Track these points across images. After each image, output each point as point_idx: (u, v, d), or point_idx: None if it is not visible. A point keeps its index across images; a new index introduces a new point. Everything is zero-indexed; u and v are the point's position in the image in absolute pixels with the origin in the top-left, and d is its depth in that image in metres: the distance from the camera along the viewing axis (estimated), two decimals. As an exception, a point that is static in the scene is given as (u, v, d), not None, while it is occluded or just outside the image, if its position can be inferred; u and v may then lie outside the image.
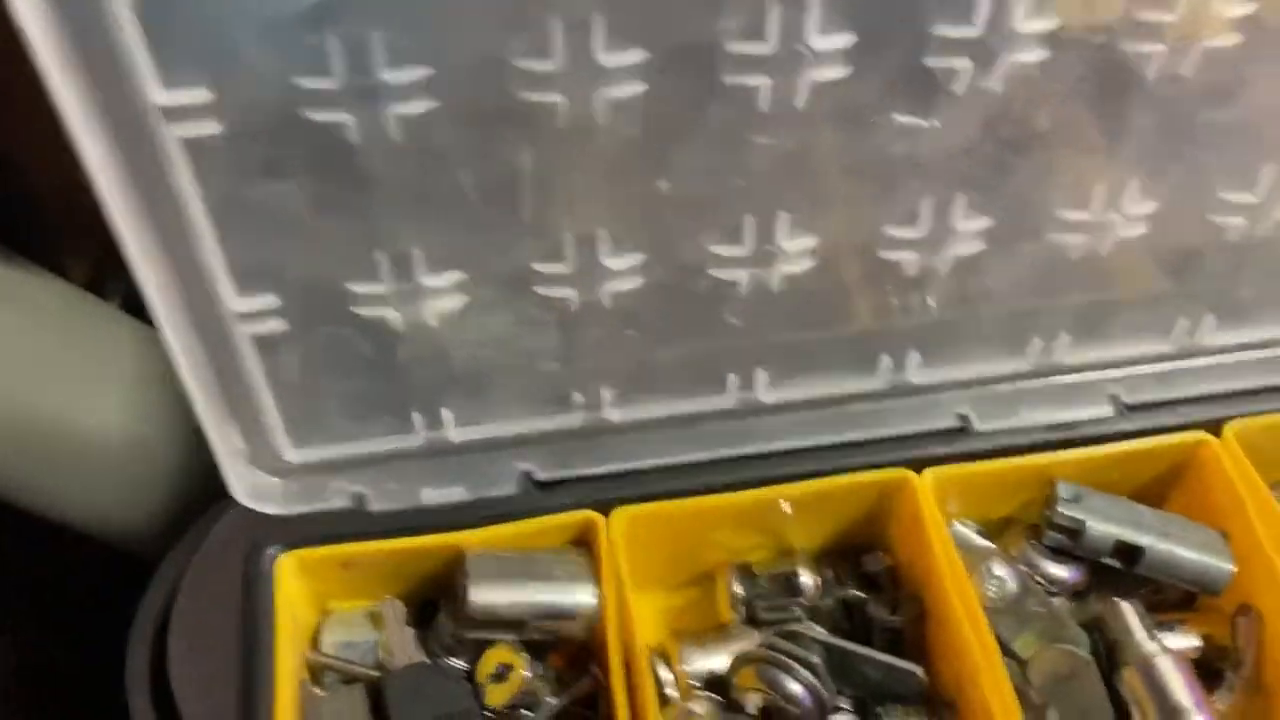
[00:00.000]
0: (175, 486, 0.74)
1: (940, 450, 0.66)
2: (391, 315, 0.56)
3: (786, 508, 0.66)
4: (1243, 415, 0.67)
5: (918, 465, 0.65)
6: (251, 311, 0.54)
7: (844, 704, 0.62)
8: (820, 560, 0.68)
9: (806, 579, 0.66)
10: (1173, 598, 0.68)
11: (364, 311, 0.56)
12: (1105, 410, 0.68)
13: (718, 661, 0.64)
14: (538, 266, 0.55)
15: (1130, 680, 0.61)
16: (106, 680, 0.64)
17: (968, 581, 0.61)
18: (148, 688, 0.62)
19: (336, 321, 0.56)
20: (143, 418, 0.72)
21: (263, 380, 0.58)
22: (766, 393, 0.66)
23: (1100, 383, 0.69)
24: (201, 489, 0.64)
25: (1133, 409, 0.68)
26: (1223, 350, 0.69)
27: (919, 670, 0.61)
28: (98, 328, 0.74)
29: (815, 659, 0.60)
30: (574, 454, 0.65)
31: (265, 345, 0.56)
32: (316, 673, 0.62)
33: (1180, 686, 0.60)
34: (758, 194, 0.55)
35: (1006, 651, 0.63)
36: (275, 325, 0.55)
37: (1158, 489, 0.69)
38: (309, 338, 0.57)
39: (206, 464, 0.61)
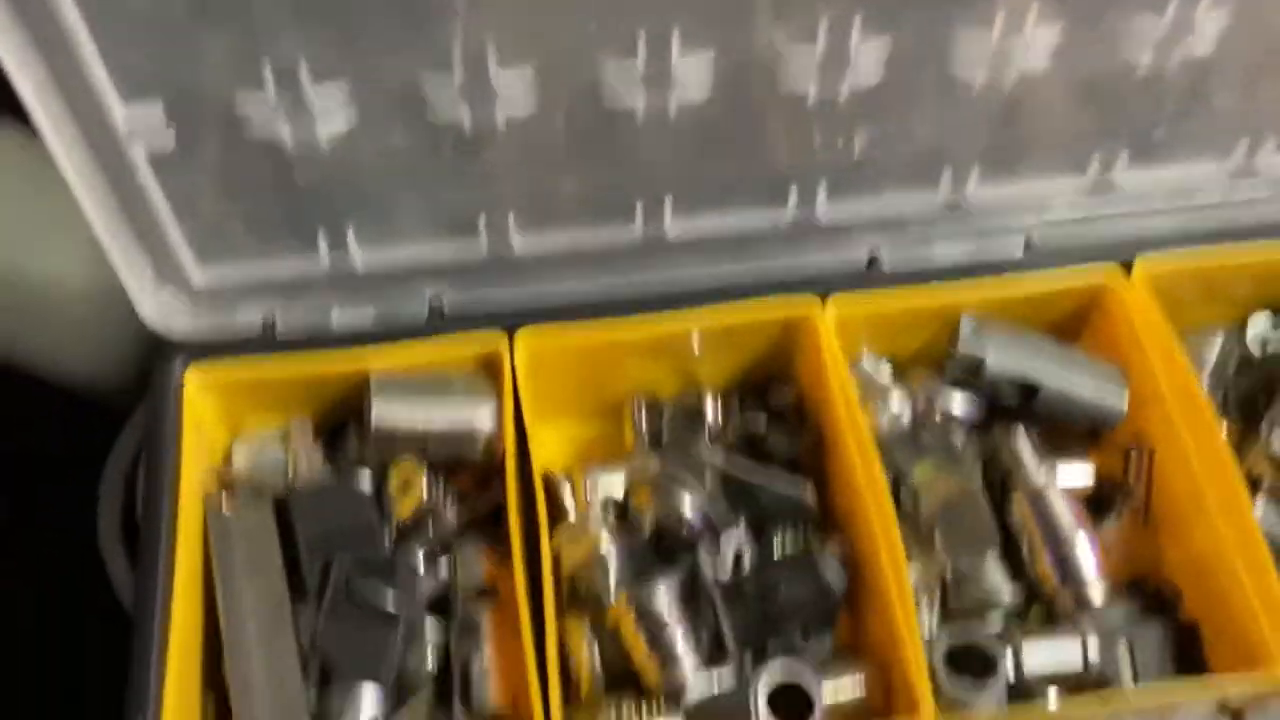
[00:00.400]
0: (141, 334, 0.76)
1: (849, 285, 0.67)
2: (283, 133, 0.56)
3: (695, 340, 0.67)
4: (1152, 256, 0.67)
5: (825, 298, 0.66)
6: (140, 125, 0.55)
7: (737, 526, 0.64)
8: (729, 395, 0.70)
9: (711, 409, 0.67)
10: (1075, 433, 0.70)
11: (255, 129, 0.56)
12: (1017, 248, 0.68)
13: (619, 485, 0.65)
14: (426, 80, 0.55)
15: (1019, 507, 0.63)
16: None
17: (860, 410, 0.62)
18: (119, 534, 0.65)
19: (228, 139, 0.56)
20: (103, 263, 0.73)
21: (162, 200, 0.59)
22: (674, 225, 0.66)
23: (1013, 221, 0.69)
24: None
25: (1044, 248, 0.68)
26: (1137, 191, 0.68)
27: (809, 494, 0.63)
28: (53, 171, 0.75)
29: (708, 481, 0.62)
30: (482, 282, 0.66)
31: (160, 163, 0.57)
32: (227, 489, 0.64)
33: (1066, 516, 0.62)
34: (650, 3, 0.54)
35: (902, 481, 0.64)
36: (166, 140, 0.56)
37: (1067, 328, 0.69)
38: (203, 156, 0.57)
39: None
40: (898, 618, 0.56)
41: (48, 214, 0.73)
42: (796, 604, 0.58)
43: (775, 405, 0.68)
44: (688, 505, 0.61)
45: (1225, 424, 0.67)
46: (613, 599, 0.59)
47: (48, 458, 0.81)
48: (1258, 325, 0.71)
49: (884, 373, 0.68)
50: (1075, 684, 0.59)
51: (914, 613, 0.56)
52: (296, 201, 0.61)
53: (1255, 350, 0.70)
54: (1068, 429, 0.70)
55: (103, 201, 0.57)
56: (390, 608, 0.57)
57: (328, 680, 0.58)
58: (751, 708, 0.53)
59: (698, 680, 0.58)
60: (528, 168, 0.62)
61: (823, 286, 0.66)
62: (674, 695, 0.57)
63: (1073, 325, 0.70)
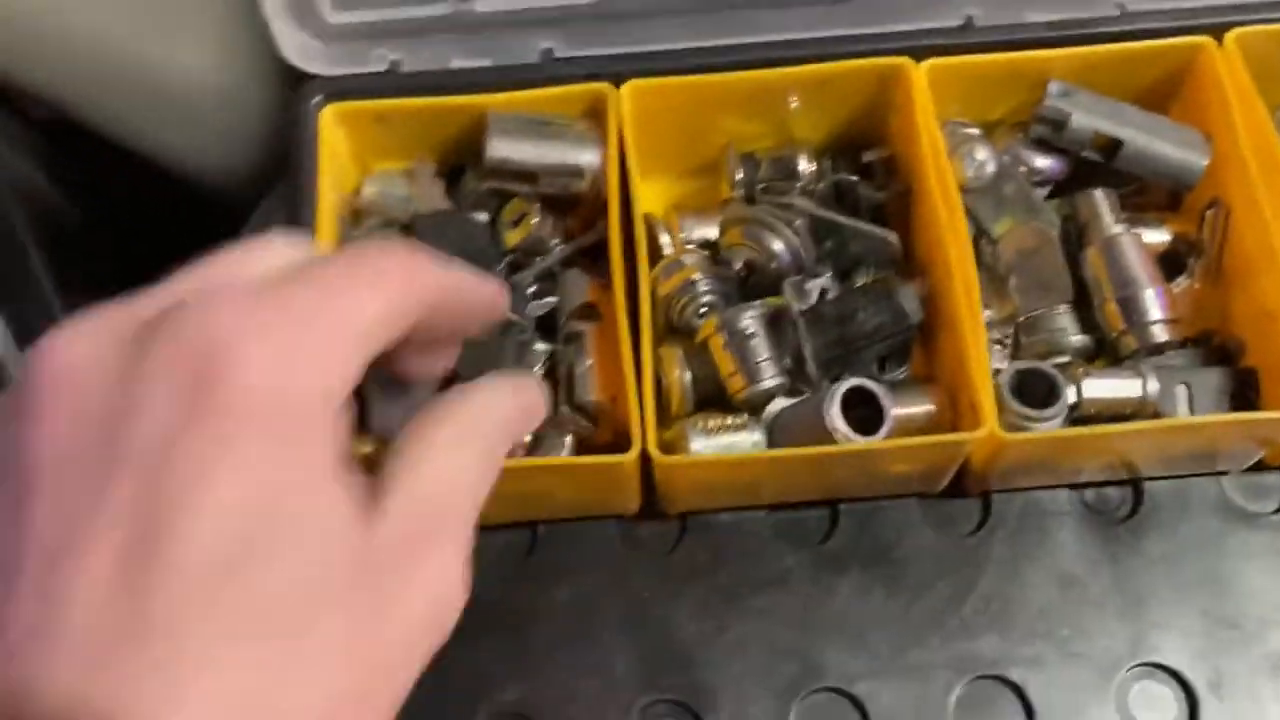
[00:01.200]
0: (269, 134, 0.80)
1: (943, 43, 0.69)
2: None
3: (794, 99, 0.70)
4: (1248, 28, 0.68)
5: (919, 57, 0.68)
6: None
7: (823, 269, 0.68)
8: (823, 153, 0.73)
9: (805, 163, 0.71)
10: (1157, 200, 0.72)
11: None
12: (1110, 10, 0.70)
13: (713, 230, 0.70)
14: None
15: (1092, 257, 0.66)
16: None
17: (947, 161, 0.66)
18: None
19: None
20: (235, 64, 0.77)
21: (297, -63, 0.64)
22: (775, -20, 0.69)
23: (1106, -16, 0.70)
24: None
25: (1137, 13, 0.70)
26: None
27: (893, 236, 0.67)
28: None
29: (798, 221, 0.66)
30: (592, 33, 0.70)
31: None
32: (357, 217, 0.70)
33: (1137, 262, 0.65)
34: None
35: (983, 231, 0.68)
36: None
37: (1157, 95, 0.71)
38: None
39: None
40: (968, 344, 0.60)
41: (177, 6, 0.78)
42: (874, 328, 0.63)
43: (867, 160, 0.72)
44: (777, 244, 0.66)
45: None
46: (702, 322, 0.65)
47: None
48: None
49: (972, 130, 0.70)
50: (1133, 419, 0.64)
51: (984, 341, 0.61)
52: (423, -56, 0.65)
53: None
54: (1150, 198, 0.72)
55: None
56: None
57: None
58: (825, 414, 0.59)
59: (779, 396, 0.63)
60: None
61: (918, 46, 0.69)
62: (756, 406, 0.63)
63: (1163, 94, 0.71)
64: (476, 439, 0.40)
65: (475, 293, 0.42)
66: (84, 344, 0.34)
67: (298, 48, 0.68)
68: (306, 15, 0.68)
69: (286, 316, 0.34)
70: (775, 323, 0.64)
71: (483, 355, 0.64)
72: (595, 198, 0.69)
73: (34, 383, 0.34)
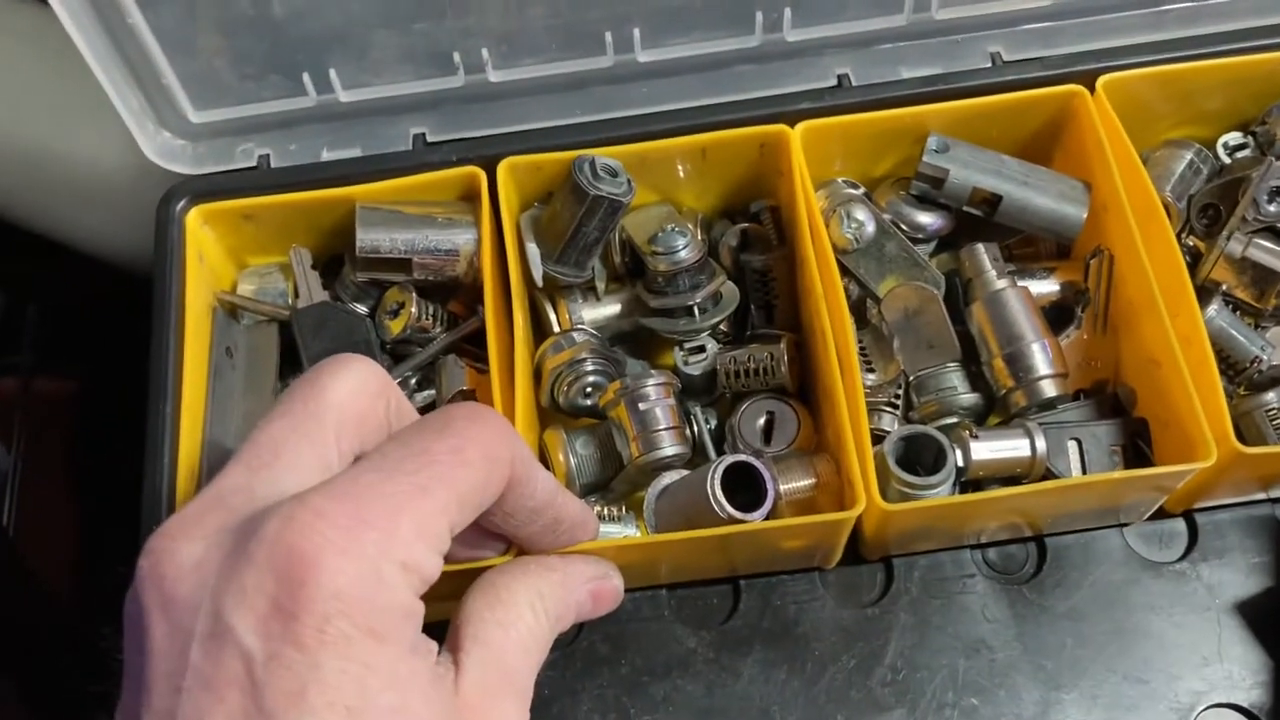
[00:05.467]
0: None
1: (817, 105, 0.69)
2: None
3: (681, 168, 0.70)
4: (1116, 74, 0.68)
5: (795, 119, 0.67)
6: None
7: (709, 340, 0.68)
8: (712, 221, 0.73)
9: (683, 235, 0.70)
10: (1047, 248, 0.72)
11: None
12: (983, 62, 0.69)
13: (602, 309, 0.69)
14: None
15: (977, 312, 0.65)
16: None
17: (822, 227, 0.65)
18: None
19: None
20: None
21: (152, 38, 0.62)
22: (643, 53, 0.68)
23: (979, 39, 0.70)
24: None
25: (1010, 63, 0.69)
26: (1100, 4, 0.69)
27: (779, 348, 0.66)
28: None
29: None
30: (462, 116, 0.69)
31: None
32: (233, 315, 0.69)
33: (1022, 315, 0.64)
34: None
35: (868, 292, 0.67)
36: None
37: (1038, 145, 0.71)
38: (183, -11, 0.61)
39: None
40: (844, 417, 0.59)
41: (80, 94, 0.77)
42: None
43: (754, 210, 0.71)
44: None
45: (1190, 232, 0.69)
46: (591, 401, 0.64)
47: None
48: (1229, 136, 0.72)
49: (851, 190, 0.70)
50: (1023, 479, 0.63)
51: (862, 412, 0.59)
52: (278, 38, 0.64)
53: (1224, 156, 0.71)
54: (1040, 247, 0.72)
55: (100, 44, 0.61)
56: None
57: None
58: (708, 492, 0.57)
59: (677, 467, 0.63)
60: (498, -1, 0.64)
61: (793, 109, 0.68)
62: (655, 471, 0.62)
63: (1045, 142, 0.71)
64: (548, 618, 0.47)
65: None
66: (184, 553, 0.38)
67: (159, 147, 0.67)
68: (168, 114, 0.67)
69: (368, 522, 0.38)
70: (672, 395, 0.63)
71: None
72: (475, 281, 0.68)
73: (142, 594, 0.38)
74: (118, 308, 0.75)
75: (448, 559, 0.42)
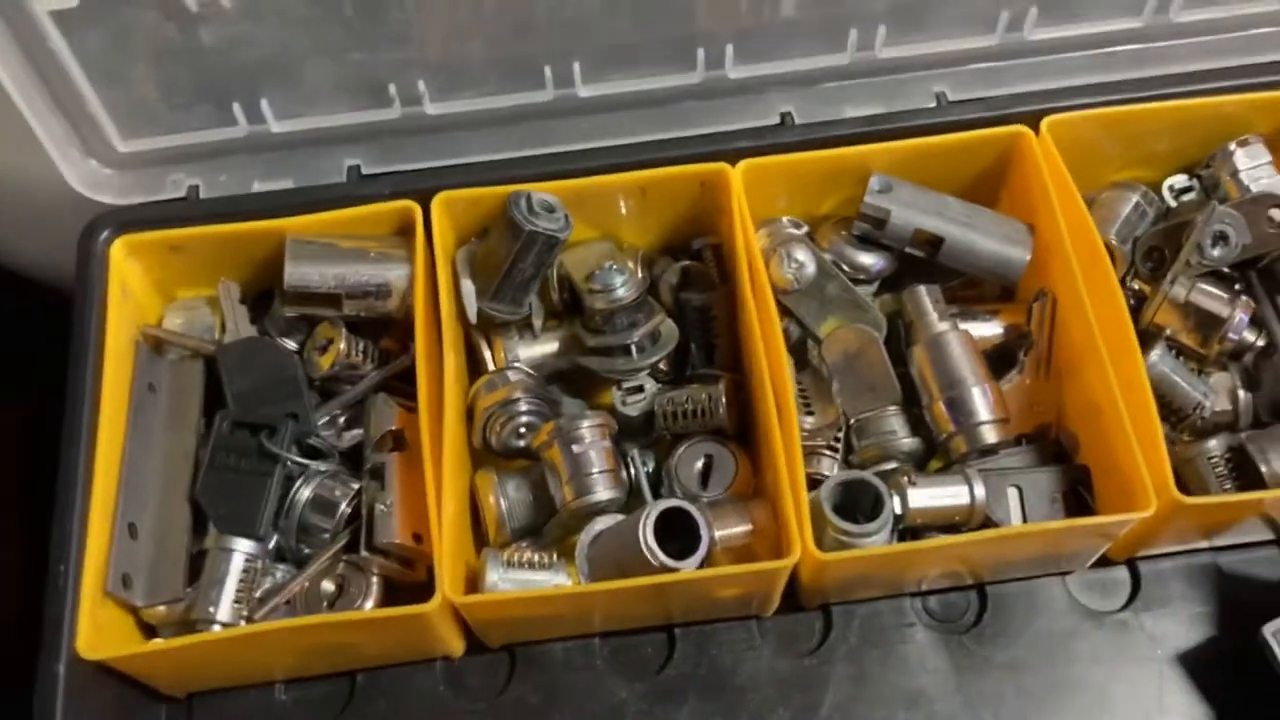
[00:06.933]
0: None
1: (759, 143, 0.68)
2: (182, -11, 0.58)
3: (623, 204, 0.68)
4: (1061, 116, 0.67)
5: (737, 157, 0.66)
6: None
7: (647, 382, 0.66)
8: (653, 257, 0.71)
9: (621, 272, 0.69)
10: (992, 290, 0.71)
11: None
12: (928, 102, 0.69)
13: (537, 347, 0.68)
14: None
15: (918, 355, 0.64)
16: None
17: (761, 268, 0.63)
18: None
19: None
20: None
21: (77, 66, 0.61)
22: (584, 87, 0.67)
23: (923, 79, 0.69)
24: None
25: (955, 103, 0.69)
26: (1046, 45, 0.68)
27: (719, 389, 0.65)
28: None
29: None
30: (397, 148, 0.68)
31: (66, 23, 0.58)
32: (158, 349, 0.67)
33: (963, 360, 0.63)
34: None
35: (808, 333, 0.66)
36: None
37: (983, 186, 0.70)
38: (107, 14, 0.59)
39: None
40: (779, 464, 0.57)
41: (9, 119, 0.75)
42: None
43: (696, 247, 0.70)
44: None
45: (1135, 276, 0.68)
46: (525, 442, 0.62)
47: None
48: (1175, 179, 0.71)
49: (794, 229, 0.69)
50: (961, 527, 0.62)
51: (798, 459, 0.58)
52: (207, 67, 0.62)
53: (1169, 199, 0.70)
54: (984, 289, 0.71)
55: (18, 68, 0.59)
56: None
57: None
58: (640, 539, 0.56)
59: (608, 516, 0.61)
60: (434, 28, 0.63)
61: (735, 146, 0.67)
62: (588, 516, 0.61)
63: (990, 183, 0.70)
64: None
65: None
66: None
67: (85, 176, 0.65)
68: (94, 142, 0.65)
69: None
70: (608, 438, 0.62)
71: (242, 486, 0.61)
72: (408, 317, 0.66)
73: None
74: (57, 337, 0.74)
75: None
